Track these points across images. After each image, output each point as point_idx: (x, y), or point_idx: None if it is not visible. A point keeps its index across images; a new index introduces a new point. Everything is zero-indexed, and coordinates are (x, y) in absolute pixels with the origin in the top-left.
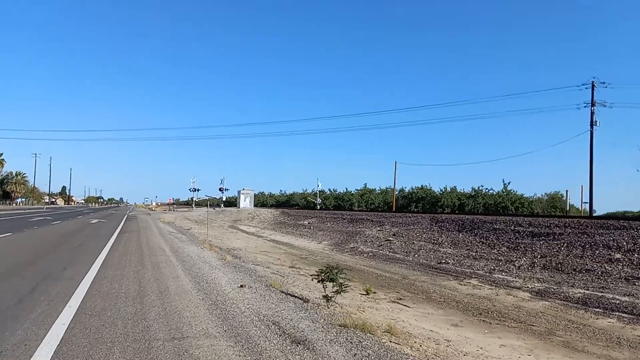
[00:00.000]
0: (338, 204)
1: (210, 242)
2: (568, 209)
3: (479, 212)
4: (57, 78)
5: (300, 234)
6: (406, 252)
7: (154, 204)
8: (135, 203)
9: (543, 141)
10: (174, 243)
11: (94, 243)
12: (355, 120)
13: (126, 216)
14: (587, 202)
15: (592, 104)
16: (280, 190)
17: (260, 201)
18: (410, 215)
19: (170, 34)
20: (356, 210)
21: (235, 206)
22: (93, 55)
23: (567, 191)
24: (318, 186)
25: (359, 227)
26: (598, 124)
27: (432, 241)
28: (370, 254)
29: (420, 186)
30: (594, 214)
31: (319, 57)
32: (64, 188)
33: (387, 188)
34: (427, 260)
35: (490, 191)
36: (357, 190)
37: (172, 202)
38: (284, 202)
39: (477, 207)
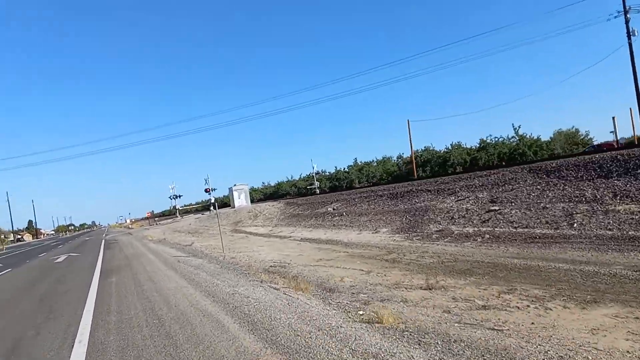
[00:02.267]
0: (334, 185)
1: (252, 265)
2: (634, 134)
3: (494, 163)
4: None
5: (335, 225)
6: (547, 222)
7: (128, 221)
8: (109, 224)
9: (550, 75)
10: (205, 281)
11: (55, 323)
12: (336, 87)
13: (103, 242)
14: None
15: (626, 11)
16: (263, 183)
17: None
18: (484, 173)
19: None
20: (375, 186)
21: (228, 207)
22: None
23: (613, 118)
24: (313, 168)
25: (416, 202)
26: (636, 34)
27: (579, 198)
28: (479, 235)
29: (423, 148)
30: None
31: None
32: (30, 222)
33: (383, 158)
34: (610, 230)
35: (500, 140)
36: (348, 166)
37: (151, 215)
38: (271, 195)
39: (491, 159)
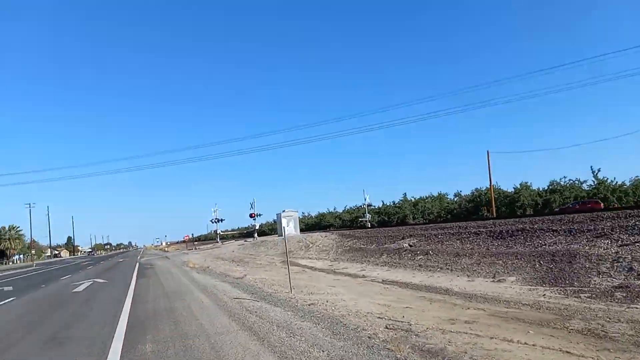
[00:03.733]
0: (382, 219)
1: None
2: None
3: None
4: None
5: (422, 266)
6: None
7: (164, 243)
8: (144, 245)
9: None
10: None
11: None
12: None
13: (137, 266)
14: None
15: None
16: (303, 213)
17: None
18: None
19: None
20: (438, 223)
21: (273, 234)
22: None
23: None
24: (365, 199)
25: (541, 245)
26: None
27: None
28: None
29: (487, 187)
30: None
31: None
32: (69, 239)
33: (439, 194)
34: None
35: (575, 182)
36: (399, 201)
37: (188, 239)
38: (313, 226)
39: (566, 203)
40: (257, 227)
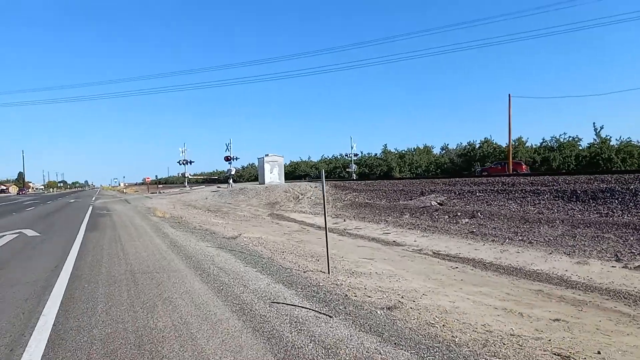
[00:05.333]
0: (362, 172)
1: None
2: None
3: (571, 168)
4: None
5: (474, 233)
6: None
7: (122, 184)
8: (101, 185)
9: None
10: None
11: None
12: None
13: (90, 210)
14: None
15: None
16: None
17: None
18: None
19: None
20: (434, 178)
21: (252, 181)
22: None
23: None
24: (352, 148)
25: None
26: None
27: None
28: None
29: (483, 139)
30: None
31: None
32: (20, 174)
33: (425, 146)
34: None
35: (573, 140)
36: (379, 152)
37: (151, 181)
38: (287, 175)
39: (568, 162)
40: (233, 172)
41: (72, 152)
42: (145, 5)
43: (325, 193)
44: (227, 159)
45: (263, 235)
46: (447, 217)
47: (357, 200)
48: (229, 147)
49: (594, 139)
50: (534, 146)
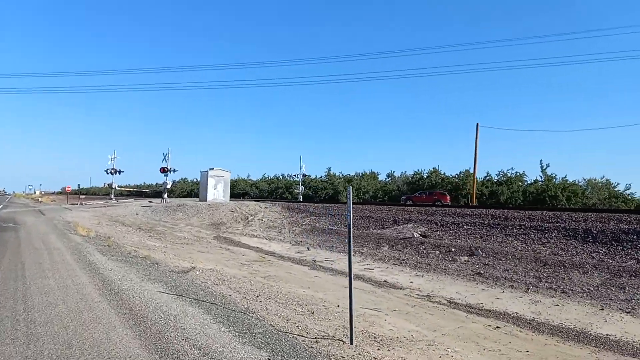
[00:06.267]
0: (306, 194)
1: None
2: None
3: (518, 203)
4: None
5: (482, 276)
6: None
7: (38, 192)
8: (14, 192)
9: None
10: None
11: None
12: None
13: None
14: None
15: None
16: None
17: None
18: None
19: None
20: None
21: (184, 197)
22: None
23: None
24: (301, 169)
25: None
26: None
27: None
28: None
29: (432, 169)
30: None
31: None
32: None
33: (371, 172)
34: None
35: (520, 176)
36: (323, 175)
37: (71, 190)
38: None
39: (516, 197)
40: (169, 186)
41: None
42: None
43: (276, 214)
44: (164, 170)
45: (217, 267)
46: (437, 252)
47: (317, 225)
48: (166, 158)
49: (539, 175)
50: (479, 179)
